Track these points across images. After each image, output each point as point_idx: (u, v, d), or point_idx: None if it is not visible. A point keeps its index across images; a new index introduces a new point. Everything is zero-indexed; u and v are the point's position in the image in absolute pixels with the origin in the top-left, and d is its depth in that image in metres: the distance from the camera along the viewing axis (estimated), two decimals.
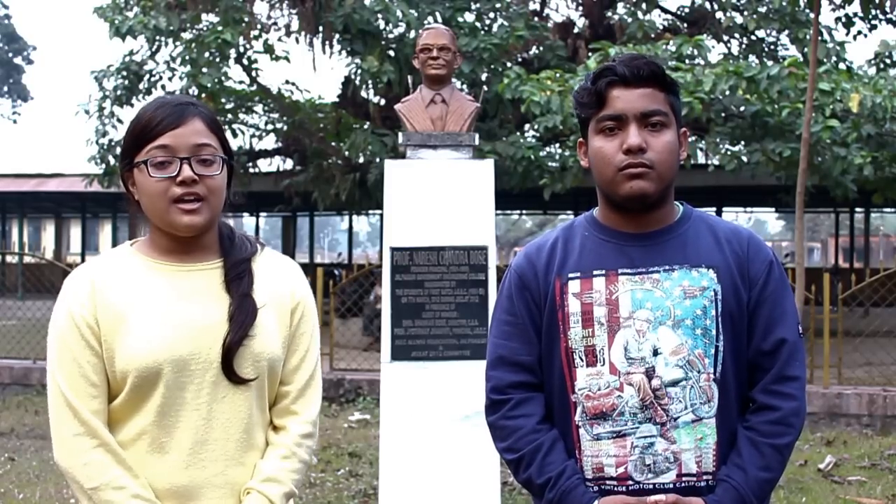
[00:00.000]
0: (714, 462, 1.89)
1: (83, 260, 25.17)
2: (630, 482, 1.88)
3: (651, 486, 1.87)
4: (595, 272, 1.93)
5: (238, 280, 1.95)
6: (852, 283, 9.21)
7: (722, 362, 1.89)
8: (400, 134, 4.47)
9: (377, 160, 12.78)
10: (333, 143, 15.03)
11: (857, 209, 22.81)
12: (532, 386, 1.99)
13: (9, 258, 21.22)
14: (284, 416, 2.01)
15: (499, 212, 21.36)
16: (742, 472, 1.87)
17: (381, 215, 8.27)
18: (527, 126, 13.52)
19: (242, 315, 1.90)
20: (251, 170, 16.55)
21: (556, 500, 1.91)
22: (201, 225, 1.90)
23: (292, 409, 2.02)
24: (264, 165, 17.35)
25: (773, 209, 27.81)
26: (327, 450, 7.11)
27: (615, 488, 1.89)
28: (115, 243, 28.85)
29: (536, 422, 1.96)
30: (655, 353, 1.87)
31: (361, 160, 14.05)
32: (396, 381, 4.26)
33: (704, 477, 1.88)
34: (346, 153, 14.00)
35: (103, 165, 14.76)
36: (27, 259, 17.87)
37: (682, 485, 1.87)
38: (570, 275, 1.94)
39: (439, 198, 4.32)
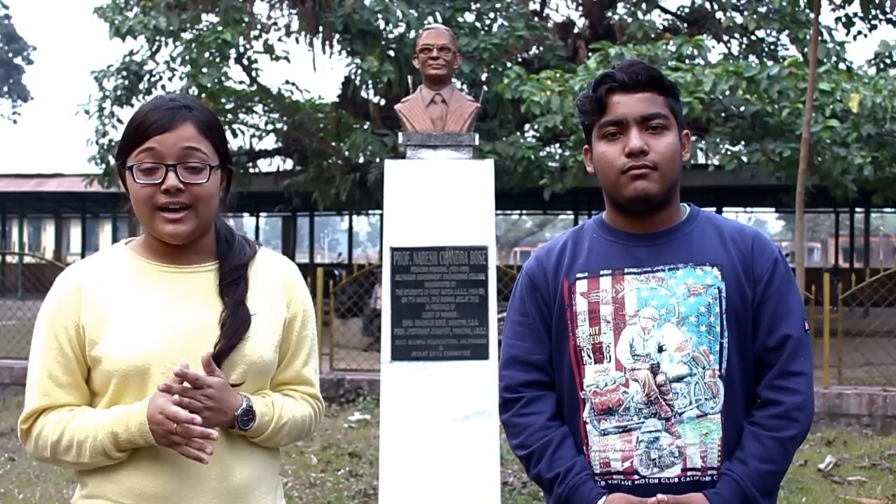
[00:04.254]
0: (719, 458, 1.91)
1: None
2: (636, 476, 1.91)
3: (656, 481, 1.90)
4: (602, 272, 1.97)
5: (234, 286, 1.92)
6: (852, 283, 9.21)
7: (727, 359, 1.92)
8: (400, 134, 4.46)
9: (377, 160, 12.78)
10: (333, 143, 15.04)
11: (857, 209, 22.82)
12: (543, 384, 2.04)
13: (9, 258, 21.21)
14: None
15: (499, 212, 21.35)
16: (743, 464, 1.89)
17: (381, 215, 8.28)
18: (527, 126, 13.52)
19: (236, 323, 1.87)
20: (251, 170, 16.55)
21: (564, 496, 1.94)
22: (186, 234, 1.87)
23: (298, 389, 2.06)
24: (264, 165, 17.35)
25: (773, 209, 27.82)
26: (327, 450, 7.11)
27: (622, 482, 1.92)
28: (114, 244, 28.81)
29: (547, 419, 2.00)
30: (660, 349, 1.91)
31: (361, 160, 14.06)
32: (396, 381, 4.26)
33: (709, 472, 1.91)
34: (346, 153, 14.01)
35: (103, 165, 14.76)
36: (27, 259, 17.88)
37: (687, 479, 1.90)
38: (578, 275, 1.99)
39: (439, 198, 4.31)
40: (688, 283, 1.93)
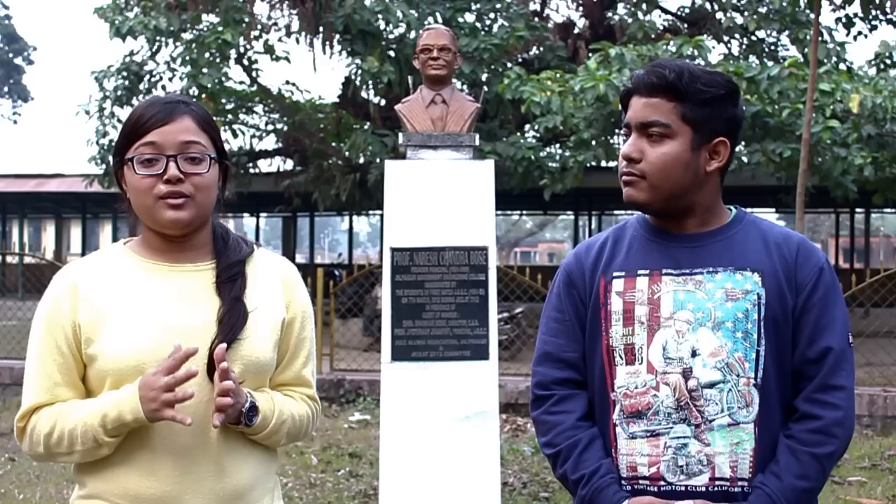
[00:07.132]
0: (751, 469, 1.86)
1: None
2: (662, 483, 1.87)
3: (683, 488, 1.86)
4: (639, 272, 1.94)
5: (230, 282, 1.91)
6: (852, 284, 9.20)
7: (763, 367, 1.86)
8: (400, 134, 4.47)
9: (377, 160, 12.78)
10: (333, 144, 15.05)
11: (858, 210, 22.82)
12: (575, 383, 2.01)
13: (9, 258, 21.19)
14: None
15: (499, 212, 21.35)
16: (777, 479, 1.84)
17: (382, 216, 8.27)
18: (527, 126, 13.53)
19: (233, 319, 1.87)
20: (251, 170, 16.55)
21: (588, 497, 1.91)
22: (186, 221, 1.88)
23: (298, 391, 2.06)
24: (264, 166, 17.35)
25: (774, 209, 27.74)
26: (327, 450, 7.11)
27: (647, 488, 1.88)
28: (113, 243, 28.81)
29: (577, 418, 1.97)
30: (694, 354, 1.86)
31: (362, 160, 14.06)
32: (397, 382, 4.26)
33: (739, 483, 1.86)
34: (347, 153, 14.01)
35: (103, 166, 14.76)
36: (27, 259, 17.85)
37: (715, 489, 1.85)
38: (615, 273, 1.96)
39: (439, 198, 4.32)
40: (726, 287, 1.88)
